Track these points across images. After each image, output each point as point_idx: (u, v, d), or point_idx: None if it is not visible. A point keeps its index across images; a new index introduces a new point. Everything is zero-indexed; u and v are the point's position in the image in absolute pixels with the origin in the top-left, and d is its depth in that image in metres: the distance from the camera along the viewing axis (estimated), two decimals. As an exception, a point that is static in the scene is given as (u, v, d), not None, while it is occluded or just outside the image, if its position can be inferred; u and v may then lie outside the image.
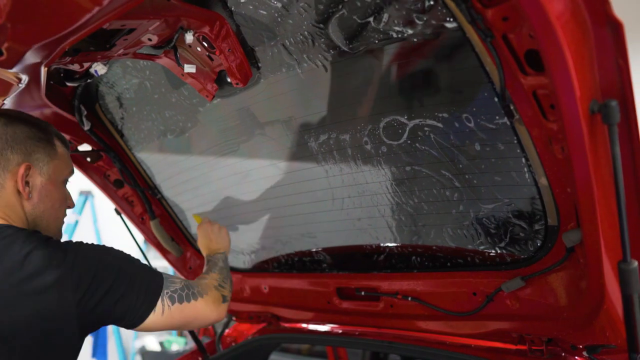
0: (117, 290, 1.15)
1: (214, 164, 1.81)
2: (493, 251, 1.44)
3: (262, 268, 2.08)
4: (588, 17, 0.80)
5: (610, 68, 0.85)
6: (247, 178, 1.78)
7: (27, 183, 1.19)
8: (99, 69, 1.45)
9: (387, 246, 1.66)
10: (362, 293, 1.78)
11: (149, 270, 1.26)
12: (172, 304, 1.24)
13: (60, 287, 1.07)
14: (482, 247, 1.45)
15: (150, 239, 2.12)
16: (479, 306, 1.50)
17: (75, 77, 1.49)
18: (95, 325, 1.17)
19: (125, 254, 1.26)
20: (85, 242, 1.23)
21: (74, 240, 1.22)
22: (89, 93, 1.76)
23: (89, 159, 1.91)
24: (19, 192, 1.19)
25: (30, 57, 1.13)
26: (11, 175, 1.18)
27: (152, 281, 1.24)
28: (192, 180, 1.92)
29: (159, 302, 1.21)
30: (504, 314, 1.47)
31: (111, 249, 1.24)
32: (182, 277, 1.34)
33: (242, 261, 2.12)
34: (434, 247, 1.55)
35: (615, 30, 0.80)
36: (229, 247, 1.71)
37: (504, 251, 1.42)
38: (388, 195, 1.50)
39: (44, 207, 1.23)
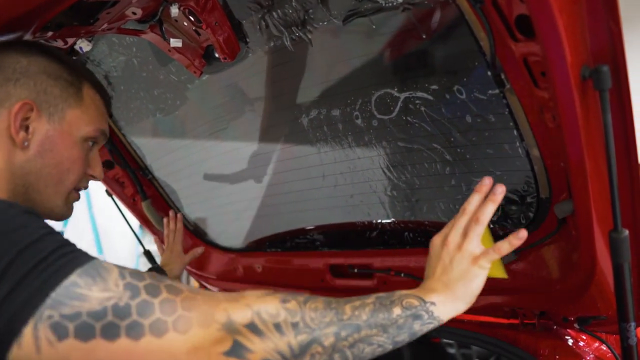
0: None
1: (204, 142, 1.79)
2: (485, 225, 1.43)
3: (255, 247, 2.07)
4: (579, -21, 0.78)
5: (601, 32, 0.83)
6: (238, 156, 1.76)
7: (25, 128, 0.92)
8: (83, 45, 1.42)
9: (380, 223, 1.65)
10: (355, 270, 1.78)
11: (44, 268, 0.69)
12: (61, 338, 0.66)
13: None
14: (474, 222, 1.44)
15: (143, 220, 2.11)
16: (471, 281, 1.50)
17: (60, 54, 1.47)
18: None
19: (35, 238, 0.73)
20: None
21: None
22: (76, 71, 1.73)
23: (77, 140, 1.89)
24: (11, 137, 0.91)
25: (10, 31, 1.11)
26: (6, 113, 0.90)
27: (29, 290, 0.67)
28: (183, 159, 1.90)
29: (28, 330, 0.66)
30: (496, 287, 1.46)
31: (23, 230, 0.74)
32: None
33: (235, 241, 2.12)
34: (427, 223, 1.55)
35: (606, -7, 0.78)
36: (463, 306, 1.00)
37: (496, 225, 1.41)
38: (380, 170, 1.49)
39: (42, 162, 0.93)
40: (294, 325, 0.77)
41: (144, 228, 2.24)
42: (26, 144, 0.92)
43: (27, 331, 0.66)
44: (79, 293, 0.68)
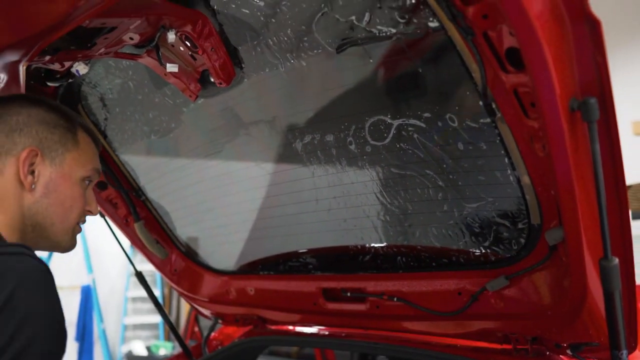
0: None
1: (199, 165, 1.80)
2: (477, 250, 1.44)
3: (248, 270, 2.06)
4: (566, 15, 0.81)
5: (589, 65, 0.86)
6: (232, 179, 1.77)
7: (32, 172, 1.03)
8: (80, 68, 1.43)
9: (373, 247, 1.65)
10: (348, 294, 1.77)
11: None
12: None
13: None
14: (466, 247, 1.45)
15: (135, 241, 2.10)
16: (464, 306, 1.50)
17: (57, 76, 1.47)
18: None
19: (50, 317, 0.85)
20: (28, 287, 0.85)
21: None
22: (71, 93, 1.74)
23: (71, 161, 1.89)
24: (20, 181, 1.02)
25: (8, 56, 1.12)
26: (14, 160, 1.02)
27: None
28: (177, 181, 1.90)
29: None
30: (488, 313, 1.47)
31: (42, 309, 0.85)
32: None
33: (228, 263, 2.11)
34: (419, 247, 1.55)
35: (593, 28, 0.81)
36: None
37: (488, 250, 1.42)
38: (373, 195, 1.50)
39: (48, 202, 1.05)
40: None
41: (135, 249, 2.22)
42: (33, 186, 1.04)
43: None
44: None
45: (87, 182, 1.14)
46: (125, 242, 2.15)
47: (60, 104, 1.18)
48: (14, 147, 1.02)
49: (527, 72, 0.89)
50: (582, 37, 0.83)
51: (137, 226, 2.04)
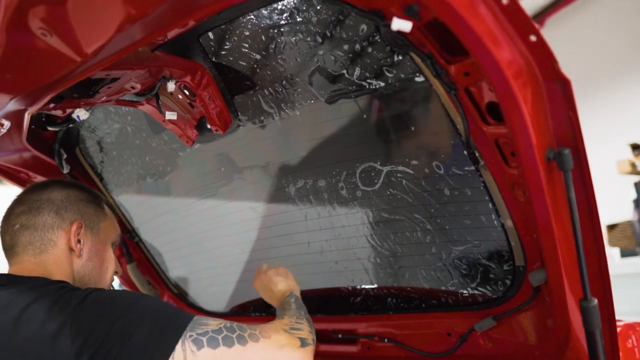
0: (124, 333, 0.99)
1: (193, 207, 1.83)
2: (465, 291, 1.48)
3: (239, 311, 2.07)
4: (540, 74, 0.88)
5: (562, 119, 0.93)
6: (226, 222, 1.80)
7: (78, 241, 1.23)
8: (81, 114, 1.49)
9: (364, 288, 1.68)
10: (340, 336, 1.79)
11: (171, 309, 1.09)
12: (199, 348, 1.02)
13: (58, 335, 0.98)
14: (454, 288, 1.49)
15: (126, 282, 2.10)
16: (453, 346, 1.53)
17: (57, 121, 1.52)
18: None
19: (144, 295, 1.21)
20: (104, 289, 1.16)
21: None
22: (70, 137, 1.79)
23: (66, 203, 1.91)
24: (70, 249, 1.22)
25: (15, 104, 1.17)
26: (64, 233, 1.22)
27: (171, 321, 1.04)
28: (171, 223, 1.93)
29: (179, 347, 1.00)
30: (477, 354, 1.50)
31: (128, 292, 1.20)
32: (229, 321, 1.11)
33: (219, 304, 2.11)
34: (409, 289, 1.59)
35: (564, 86, 0.88)
36: (295, 285, 1.52)
37: (476, 291, 1.46)
38: (364, 238, 1.54)
39: (92, 265, 1.26)
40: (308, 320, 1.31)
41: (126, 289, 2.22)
42: (81, 252, 1.24)
43: (178, 347, 1.01)
44: (202, 322, 1.06)
45: (114, 246, 1.35)
46: (116, 282, 2.16)
47: (84, 184, 1.38)
48: (63, 222, 1.22)
49: (506, 124, 0.96)
50: (554, 94, 0.90)
51: (129, 268, 2.05)
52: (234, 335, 1.06)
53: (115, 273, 1.35)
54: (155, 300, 1.13)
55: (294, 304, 1.39)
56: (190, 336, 1.02)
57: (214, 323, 1.07)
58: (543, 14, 8.26)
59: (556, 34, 8.05)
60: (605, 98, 7.48)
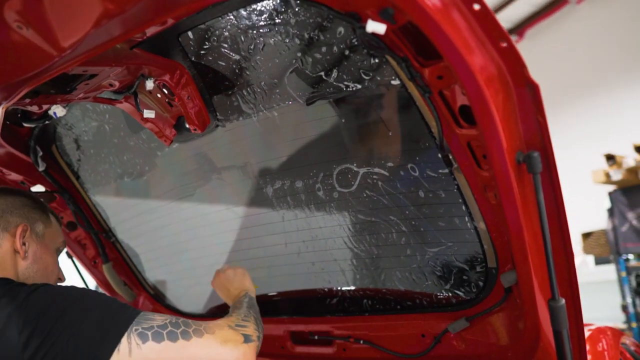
0: (71, 325, 1.03)
1: (171, 207, 1.82)
2: (440, 293, 1.50)
3: (216, 313, 2.06)
4: (510, 79, 0.91)
5: (531, 123, 0.95)
6: (203, 222, 1.80)
7: (23, 243, 1.26)
8: (58, 111, 1.47)
9: (340, 290, 1.69)
10: (316, 337, 1.79)
11: (117, 305, 1.12)
12: (144, 342, 1.06)
13: (6, 327, 1.02)
14: (429, 290, 1.51)
15: (102, 283, 2.08)
16: (427, 348, 1.55)
17: (33, 118, 1.50)
18: None
19: (91, 290, 1.21)
20: (51, 284, 1.23)
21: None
22: (46, 134, 1.76)
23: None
24: (15, 251, 1.25)
25: (-7, 99, 1.15)
26: (9, 236, 1.25)
27: (118, 315, 1.08)
28: (147, 223, 1.92)
29: (124, 339, 1.04)
30: (451, 354, 1.52)
31: (76, 287, 1.16)
32: (176, 316, 1.15)
33: (196, 306, 2.10)
34: (385, 290, 1.60)
35: (533, 91, 0.91)
36: (251, 286, 1.55)
37: (450, 293, 1.48)
38: (340, 239, 1.55)
39: (37, 267, 1.29)
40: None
41: (102, 290, 2.19)
42: (26, 255, 1.27)
43: (123, 340, 1.05)
44: (148, 317, 1.10)
45: (59, 252, 1.38)
46: (92, 282, 2.13)
47: (29, 192, 1.40)
48: (8, 225, 1.26)
49: (478, 127, 0.98)
50: (524, 99, 0.93)
51: (105, 268, 2.03)
52: (179, 331, 1.10)
53: (59, 280, 1.38)
54: (102, 295, 1.18)
55: (246, 303, 1.42)
56: (136, 330, 1.06)
57: (159, 318, 1.11)
58: (523, 26, 8.45)
59: (535, 44, 8.24)
60: (581, 107, 7.67)
